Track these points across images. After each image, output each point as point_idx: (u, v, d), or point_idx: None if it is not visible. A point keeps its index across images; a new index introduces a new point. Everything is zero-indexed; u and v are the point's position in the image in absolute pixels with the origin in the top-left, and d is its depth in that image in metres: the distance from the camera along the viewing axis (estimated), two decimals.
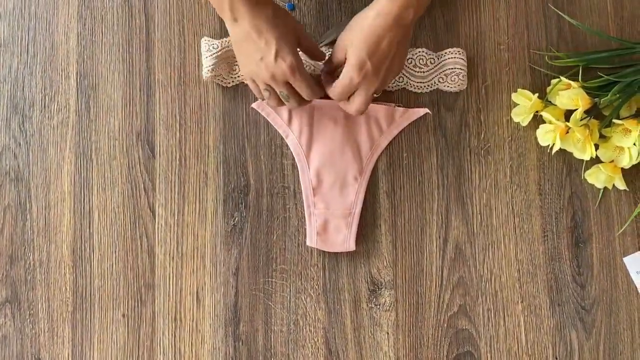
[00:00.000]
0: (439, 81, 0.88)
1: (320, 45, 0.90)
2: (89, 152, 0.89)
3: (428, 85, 0.89)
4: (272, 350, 0.86)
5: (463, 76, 0.88)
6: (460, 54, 0.88)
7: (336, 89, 0.79)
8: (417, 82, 0.89)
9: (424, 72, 0.89)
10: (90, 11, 0.92)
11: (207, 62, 0.87)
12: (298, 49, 0.80)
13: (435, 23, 0.91)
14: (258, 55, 0.77)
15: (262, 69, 0.78)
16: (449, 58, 0.88)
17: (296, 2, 0.91)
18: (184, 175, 0.89)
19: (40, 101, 0.90)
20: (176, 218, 0.88)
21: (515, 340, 0.86)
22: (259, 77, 0.79)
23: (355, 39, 0.76)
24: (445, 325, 0.86)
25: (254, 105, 0.89)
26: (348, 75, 0.77)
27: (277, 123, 0.89)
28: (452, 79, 0.88)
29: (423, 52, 0.89)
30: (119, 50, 0.91)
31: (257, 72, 0.78)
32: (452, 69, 0.88)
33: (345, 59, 0.78)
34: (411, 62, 0.88)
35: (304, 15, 0.91)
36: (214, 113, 0.89)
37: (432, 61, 0.89)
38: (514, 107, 0.88)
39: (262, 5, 0.76)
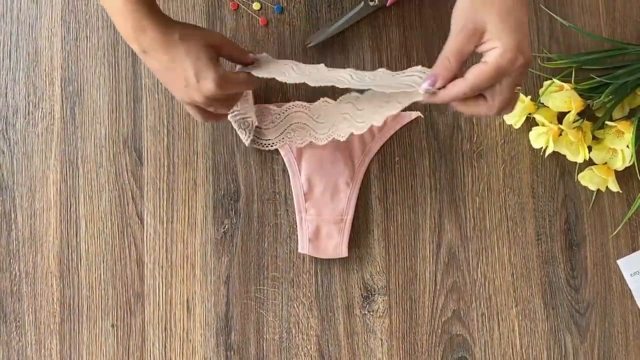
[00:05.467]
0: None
1: (308, 46, 0.89)
2: (75, 159, 0.87)
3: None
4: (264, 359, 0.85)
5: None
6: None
7: (477, 77, 0.61)
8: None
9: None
10: (74, 15, 0.90)
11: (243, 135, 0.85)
12: (219, 58, 0.73)
13: (426, 24, 0.90)
14: (181, 83, 0.70)
15: (192, 94, 0.71)
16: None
17: (285, 4, 0.90)
18: (172, 182, 0.87)
19: (24, 108, 0.88)
20: (165, 226, 0.86)
21: (510, 344, 0.85)
22: (195, 102, 0.72)
23: (497, 15, 0.60)
24: (440, 330, 0.85)
25: None
26: (499, 60, 0.60)
27: None
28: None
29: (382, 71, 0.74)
30: (104, 55, 0.89)
31: (190, 97, 0.71)
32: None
33: (480, 43, 0.61)
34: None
35: (292, 17, 0.90)
36: None
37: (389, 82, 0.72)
38: None
39: (168, 30, 0.69)
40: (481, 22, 0.60)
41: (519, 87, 0.66)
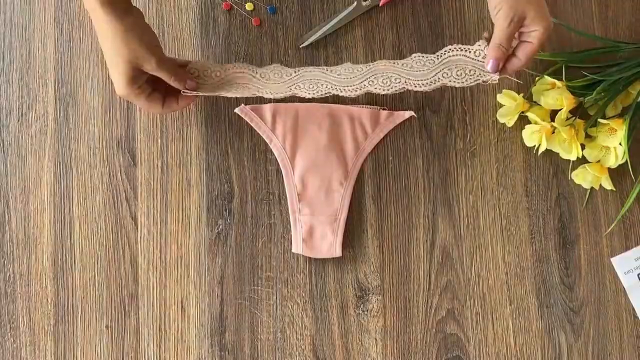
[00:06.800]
0: (442, 77, 0.81)
1: (302, 46, 0.89)
2: (69, 160, 0.88)
3: (430, 82, 0.81)
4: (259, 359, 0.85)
5: (470, 70, 0.81)
6: (462, 50, 0.81)
7: (530, 54, 0.77)
8: (418, 80, 0.81)
9: (423, 71, 0.82)
10: (67, 17, 0.90)
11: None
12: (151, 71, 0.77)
13: (419, 23, 0.90)
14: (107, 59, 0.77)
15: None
16: (451, 55, 0.82)
17: (278, 4, 0.90)
18: (166, 183, 0.87)
19: (17, 109, 0.88)
20: (159, 227, 0.86)
21: (504, 343, 0.85)
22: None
23: (536, 6, 0.76)
24: (434, 330, 0.85)
25: (237, 110, 0.87)
26: (542, 38, 0.76)
27: (260, 128, 0.87)
28: (458, 73, 0.81)
29: (419, 56, 0.82)
30: (97, 56, 0.89)
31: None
32: (456, 64, 0.81)
33: (521, 27, 0.77)
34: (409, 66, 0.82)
35: (285, 18, 0.90)
36: (196, 119, 0.88)
37: (431, 62, 0.81)
38: (500, 108, 0.87)
39: (120, 15, 0.75)
40: (524, 13, 0.75)
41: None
